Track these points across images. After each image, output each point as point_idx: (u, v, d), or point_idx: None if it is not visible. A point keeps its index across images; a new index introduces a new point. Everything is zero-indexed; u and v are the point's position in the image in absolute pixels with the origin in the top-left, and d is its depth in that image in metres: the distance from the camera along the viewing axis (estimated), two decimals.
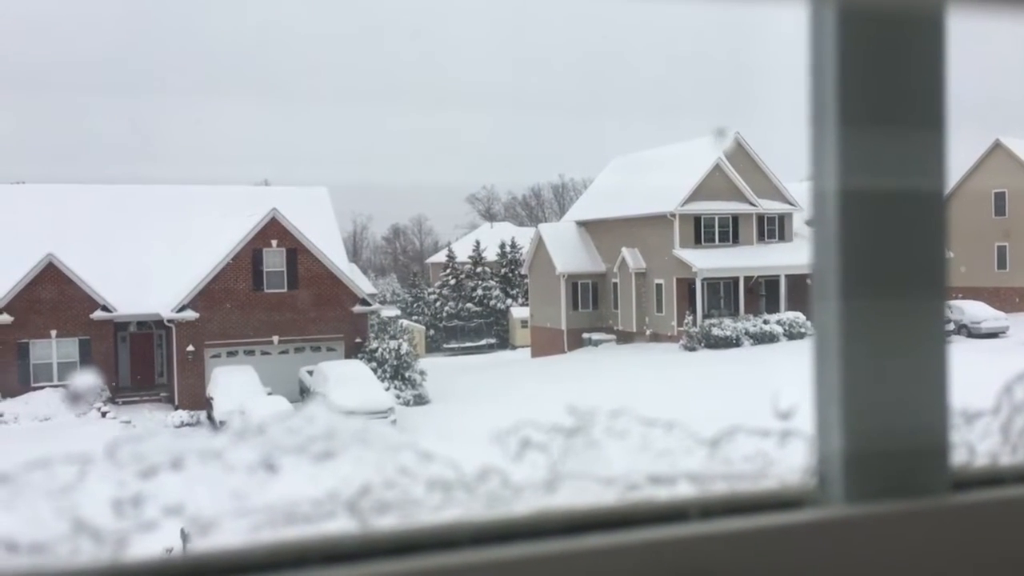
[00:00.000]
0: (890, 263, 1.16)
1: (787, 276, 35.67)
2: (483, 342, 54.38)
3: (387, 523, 1.01)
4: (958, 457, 1.23)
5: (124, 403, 27.46)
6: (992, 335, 31.98)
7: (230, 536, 0.95)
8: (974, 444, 1.27)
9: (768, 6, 1.18)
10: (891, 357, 1.16)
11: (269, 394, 24.79)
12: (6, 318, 27.43)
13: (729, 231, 37.37)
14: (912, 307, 1.17)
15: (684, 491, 1.14)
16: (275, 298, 29.17)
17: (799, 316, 34.37)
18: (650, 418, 1.16)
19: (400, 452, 1.05)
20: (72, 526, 0.92)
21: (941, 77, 1.17)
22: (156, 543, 0.98)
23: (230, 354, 28.52)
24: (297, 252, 29.40)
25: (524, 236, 56.28)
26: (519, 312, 51.63)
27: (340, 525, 1.00)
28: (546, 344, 40.86)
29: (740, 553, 1.08)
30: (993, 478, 1.25)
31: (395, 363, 27.98)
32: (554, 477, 1.09)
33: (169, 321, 28.13)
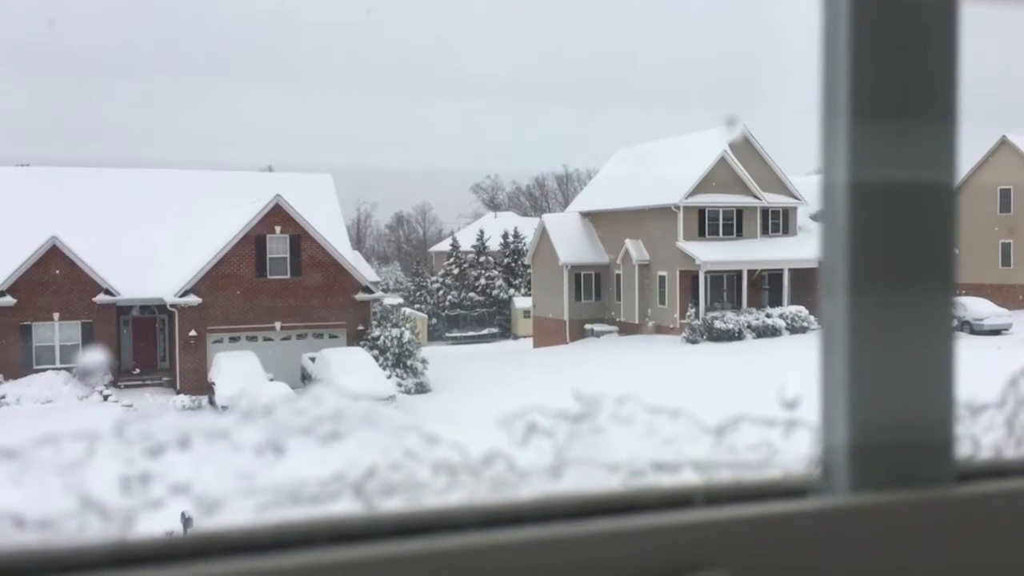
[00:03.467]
0: (899, 256, 1.16)
1: (790, 270, 35.65)
2: (485, 331, 54.43)
3: (393, 505, 1.01)
4: (963, 449, 1.23)
5: (126, 387, 27.54)
6: (995, 332, 31.94)
7: (236, 515, 0.96)
8: (979, 437, 1.27)
9: None
10: (898, 349, 1.16)
11: (271, 380, 24.85)
12: (9, 300, 27.48)
13: (733, 224, 37.33)
14: (920, 300, 1.17)
15: (689, 478, 1.14)
16: (278, 284, 29.20)
17: (802, 310, 34.38)
18: (656, 405, 1.17)
19: (406, 435, 1.06)
20: (79, 503, 0.92)
21: (954, 69, 1.17)
22: (163, 521, 0.98)
23: (232, 340, 28.57)
24: (300, 239, 29.42)
25: (528, 226, 56.28)
26: (522, 302, 51.67)
27: (346, 506, 1.00)
28: (548, 334, 40.89)
29: (744, 540, 1.09)
30: (997, 470, 1.25)
31: (397, 351, 28.02)
32: (560, 462, 1.10)
33: (172, 306, 28.18)
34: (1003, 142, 43.36)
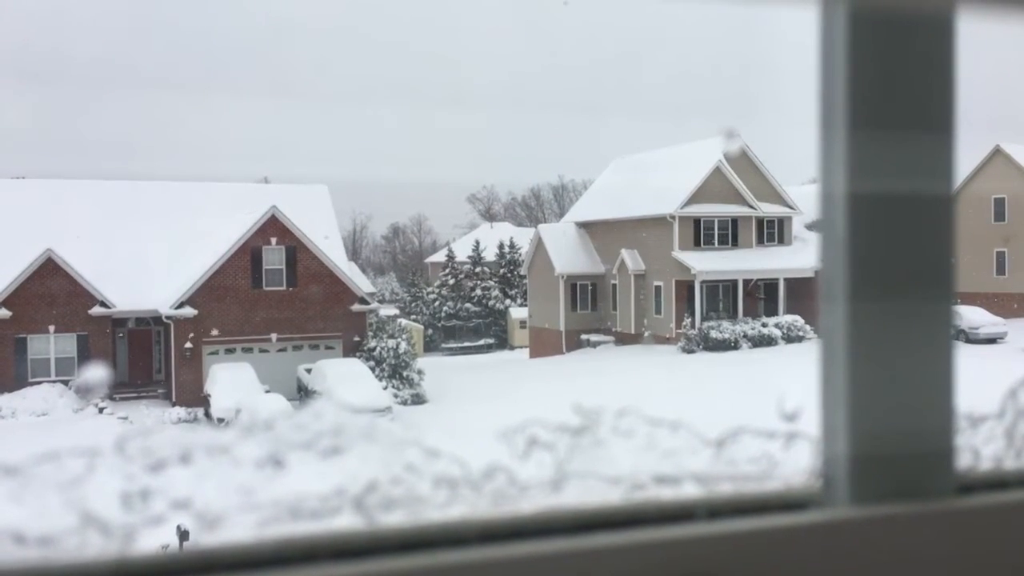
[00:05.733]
0: (897, 266, 1.16)
1: (786, 279, 35.68)
2: (481, 342, 54.39)
3: (394, 520, 1.01)
4: (963, 461, 1.23)
5: (121, 399, 27.44)
6: (990, 341, 31.98)
7: (237, 531, 0.95)
8: (979, 448, 1.27)
9: (779, 7, 1.18)
10: (898, 359, 1.16)
11: (267, 392, 24.79)
12: (4, 313, 27.40)
13: (728, 234, 37.38)
14: (919, 310, 1.17)
15: (690, 491, 1.14)
16: (274, 296, 29.16)
17: (797, 319, 34.40)
18: (656, 418, 1.16)
19: (406, 449, 1.05)
20: (80, 519, 0.92)
21: (951, 80, 1.17)
22: (163, 537, 0.98)
23: (228, 351, 28.50)
24: (296, 250, 29.39)
25: (523, 236, 56.28)
26: (518, 312, 51.64)
27: (347, 521, 1.00)
28: (544, 345, 40.86)
29: (745, 554, 1.08)
30: (997, 482, 1.25)
31: (393, 362, 27.97)
32: (560, 476, 1.09)
33: (167, 318, 28.12)
34: (997, 151, 43.50)
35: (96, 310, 28.16)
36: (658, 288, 37.25)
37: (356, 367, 26.23)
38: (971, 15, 1.19)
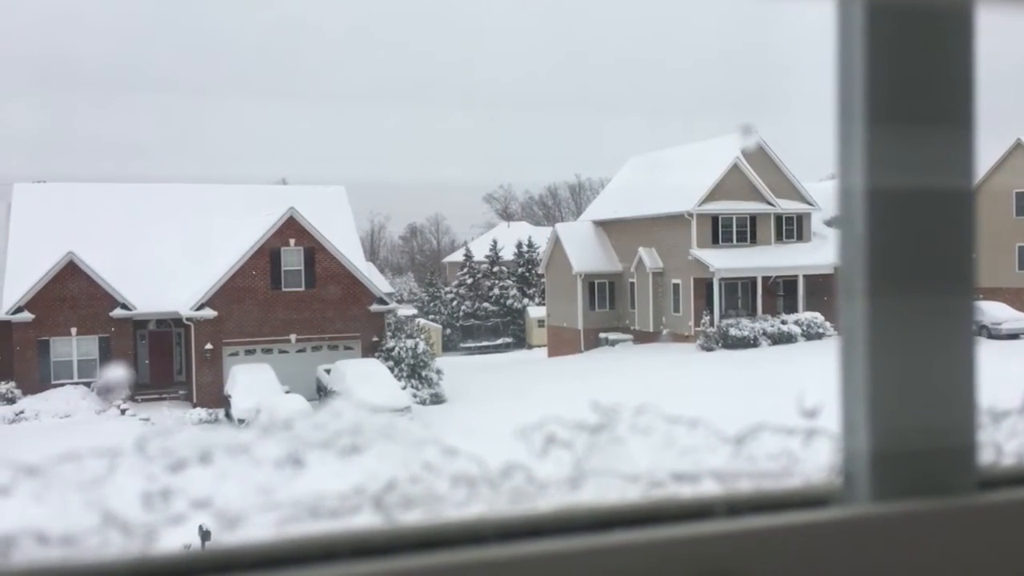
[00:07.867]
0: (917, 261, 1.16)
1: (805, 276, 35.50)
2: (500, 341, 54.42)
3: (412, 518, 1.01)
4: (985, 457, 1.22)
5: (143, 400, 27.65)
6: (1013, 336, 31.68)
7: (257, 530, 0.96)
8: (1001, 444, 1.26)
9: (796, 2, 1.17)
10: (918, 355, 1.16)
11: (287, 392, 24.91)
12: (27, 316, 27.67)
13: (747, 231, 37.22)
14: (940, 305, 1.17)
15: (709, 489, 1.13)
16: (293, 297, 29.29)
17: (817, 316, 34.21)
18: (674, 415, 1.16)
19: (425, 448, 1.06)
20: (101, 519, 0.92)
21: (970, 73, 1.16)
22: (184, 537, 0.99)
23: (248, 352, 28.66)
24: (315, 251, 29.51)
25: (541, 235, 56.30)
26: (536, 311, 51.64)
27: (366, 520, 1.00)
28: (563, 344, 40.84)
29: (765, 551, 1.08)
30: (1020, 478, 1.24)
31: (412, 362, 28.04)
32: (579, 474, 1.09)
33: (188, 319, 28.31)
34: (1018, 145, 43.08)
35: (117, 312, 28.39)
36: (676, 286, 37.13)
37: (375, 367, 26.31)
38: (991, 6, 1.18)
